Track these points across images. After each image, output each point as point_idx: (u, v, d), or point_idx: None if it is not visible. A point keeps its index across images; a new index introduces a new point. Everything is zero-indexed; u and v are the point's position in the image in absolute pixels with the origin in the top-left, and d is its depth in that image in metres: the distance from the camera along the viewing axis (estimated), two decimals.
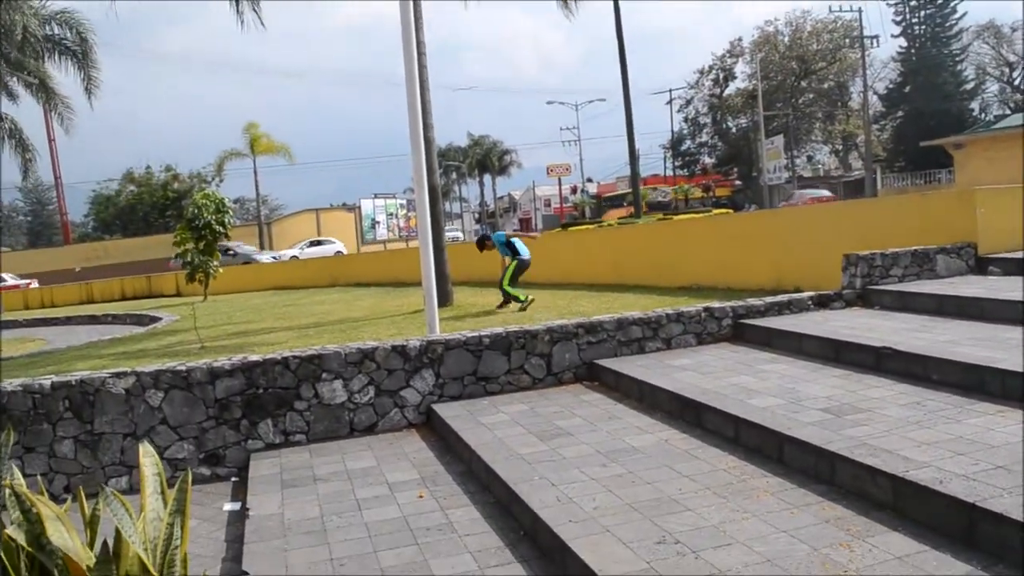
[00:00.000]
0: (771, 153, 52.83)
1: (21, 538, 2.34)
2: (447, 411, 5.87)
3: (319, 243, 42.34)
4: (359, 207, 52.04)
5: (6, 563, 2.23)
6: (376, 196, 54.28)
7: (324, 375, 5.97)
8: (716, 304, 7.10)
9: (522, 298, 11.07)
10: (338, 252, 40.18)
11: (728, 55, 67.25)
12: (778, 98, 61.52)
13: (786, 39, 62.84)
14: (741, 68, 66.66)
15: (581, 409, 5.68)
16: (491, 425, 5.40)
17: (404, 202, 54.53)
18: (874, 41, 52.95)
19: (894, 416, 4.35)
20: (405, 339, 6.33)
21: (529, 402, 6.00)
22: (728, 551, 3.19)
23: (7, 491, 2.42)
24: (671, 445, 4.69)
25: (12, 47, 26.08)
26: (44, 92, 28.77)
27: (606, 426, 5.18)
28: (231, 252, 27.35)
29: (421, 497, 4.57)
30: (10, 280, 39.77)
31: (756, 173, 58.62)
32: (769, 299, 7.25)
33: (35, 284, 39.19)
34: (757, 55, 59.78)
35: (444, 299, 11.83)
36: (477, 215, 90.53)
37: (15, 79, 28.77)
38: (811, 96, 64.88)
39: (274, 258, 36.67)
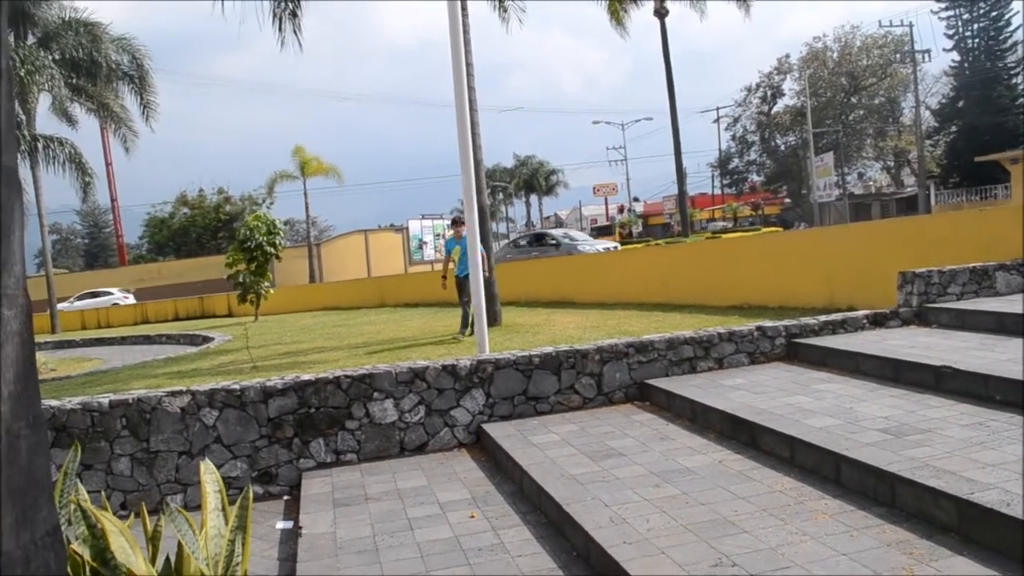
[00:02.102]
0: (821, 170, 52.15)
1: (86, 553, 2.39)
2: (497, 431, 5.86)
3: (94, 295, 42.04)
4: (407, 228, 52.41)
5: None
6: (423, 217, 54.62)
7: (375, 394, 6.00)
8: (768, 323, 7.01)
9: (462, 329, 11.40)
10: (115, 303, 40.06)
11: (775, 72, 66.65)
12: (827, 115, 60.76)
13: (835, 55, 62.07)
14: (789, 85, 65.97)
15: (632, 429, 5.63)
16: (542, 445, 5.38)
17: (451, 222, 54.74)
18: (926, 55, 52.15)
19: (956, 437, 4.24)
20: (455, 359, 6.35)
21: (580, 422, 5.97)
22: (786, 574, 3.13)
23: (72, 507, 2.47)
24: (725, 466, 4.62)
25: (82, 74, 26.85)
26: (108, 116, 29.56)
27: (658, 446, 5.13)
28: (553, 242, 22.54)
29: (472, 517, 4.56)
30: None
31: (806, 191, 57.89)
32: (823, 318, 7.14)
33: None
34: (805, 72, 59.15)
35: (493, 319, 11.85)
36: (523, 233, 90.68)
37: (76, 104, 29.62)
38: (861, 112, 63.91)
39: (606, 248, 29.04)
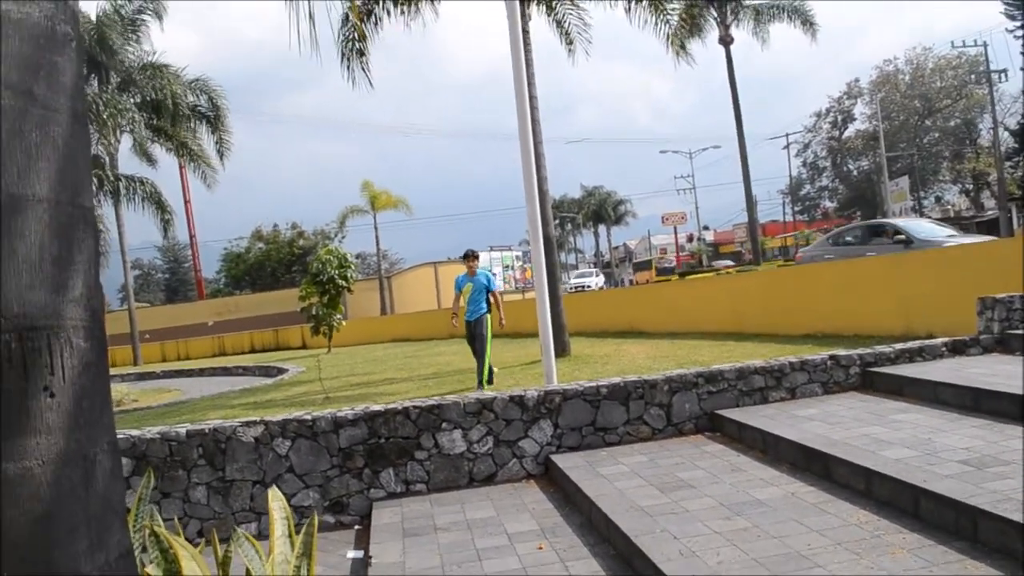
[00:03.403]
0: (896, 195, 50.99)
1: None
2: (565, 462, 5.83)
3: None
4: None
5: None
6: (492, 248, 55.00)
7: (444, 425, 6.03)
8: (842, 352, 6.85)
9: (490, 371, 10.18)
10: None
11: (845, 96, 65.67)
12: (901, 138, 59.50)
13: (907, 78, 60.87)
14: (860, 109, 64.95)
15: (702, 460, 5.55)
16: (610, 476, 5.33)
17: (520, 253, 55.01)
18: (1002, 75, 50.71)
19: None
20: (523, 389, 6.35)
21: (648, 453, 5.90)
22: None
23: (147, 531, 2.54)
24: (798, 498, 4.51)
25: (166, 116, 27.95)
26: (187, 154, 30.66)
27: (729, 478, 5.03)
28: (902, 237, 16.00)
29: (541, 549, 4.53)
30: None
31: (881, 216, 56.65)
32: (899, 346, 6.95)
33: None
34: (877, 95, 58.11)
35: (561, 349, 11.82)
36: (593, 265, 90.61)
37: (155, 145, 30.81)
38: (936, 135, 62.41)
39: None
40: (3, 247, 1.61)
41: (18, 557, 1.70)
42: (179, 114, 29.20)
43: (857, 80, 64.84)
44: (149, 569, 2.44)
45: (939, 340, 7.10)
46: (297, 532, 2.83)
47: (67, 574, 1.74)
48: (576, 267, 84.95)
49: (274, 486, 2.99)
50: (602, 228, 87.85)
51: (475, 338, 10.33)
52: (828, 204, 70.47)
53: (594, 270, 46.57)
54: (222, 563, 2.74)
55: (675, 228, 72.59)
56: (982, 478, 3.99)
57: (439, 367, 13.61)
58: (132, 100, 28.90)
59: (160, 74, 28.61)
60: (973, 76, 56.07)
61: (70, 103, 1.77)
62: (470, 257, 10.75)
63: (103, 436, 1.84)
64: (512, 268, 54.67)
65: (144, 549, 2.48)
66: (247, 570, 2.43)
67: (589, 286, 43.03)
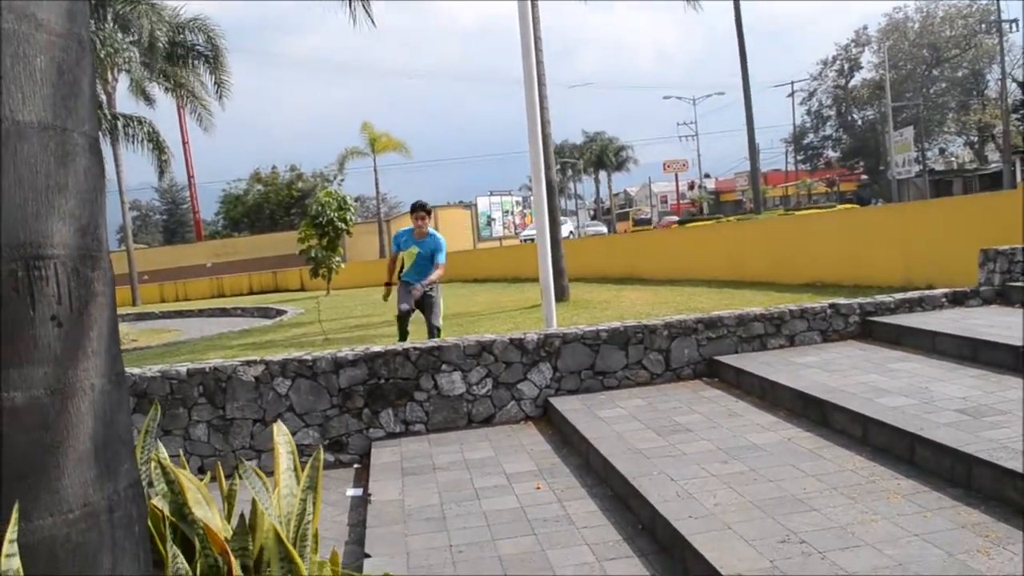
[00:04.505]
0: (900, 146, 50.56)
1: (166, 508, 2.48)
2: (564, 405, 5.87)
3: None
4: (475, 204, 52.59)
5: (153, 531, 2.36)
6: (492, 193, 54.71)
7: (443, 367, 6.06)
8: (843, 300, 6.86)
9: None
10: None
11: (853, 44, 64.80)
12: (907, 88, 58.86)
13: (916, 26, 60.01)
14: (867, 58, 64.13)
15: (700, 405, 5.59)
16: (609, 419, 5.38)
17: (519, 199, 54.78)
18: (1013, 26, 50.01)
19: None
20: (523, 332, 6.37)
21: (647, 397, 5.94)
22: (856, 553, 3.08)
23: (153, 464, 2.57)
24: (795, 443, 4.56)
25: (155, 56, 27.58)
26: (186, 94, 30.33)
27: (727, 423, 5.08)
28: None
29: (538, 488, 4.59)
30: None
31: (884, 167, 56.30)
32: (899, 296, 6.96)
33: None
34: (885, 43, 57.34)
35: (560, 294, 11.84)
36: (592, 212, 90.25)
37: (154, 84, 30.46)
38: (944, 85, 61.73)
39: None
40: (8, 175, 1.59)
41: (27, 485, 1.71)
42: (175, 54, 28.81)
43: (865, 27, 64.04)
44: (155, 501, 2.47)
45: (939, 291, 7.10)
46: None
47: (76, 502, 1.76)
48: (575, 213, 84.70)
49: (279, 421, 3.01)
50: (603, 175, 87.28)
51: (424, 304, 8.32)
52: (831, 154, 69.98)
53: (565, 219, 46.21)
54: (227, 497, 2.78)
55: (676, 175, 72.17)
56: (978, 427, 4.03)
57: None
58: (128, 39, 28.48)
59: (153, 12, 28.15)
60: (983, 26, 55.26)
61: (75, 28, 1.73)
62: (419, 211, 8.38)
63: (110, 367, 1.84)
64: (512, 213, 54.46)
65: (151, 483, 2.51)
66: (253, 502, 2.46)
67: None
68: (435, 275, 8.29)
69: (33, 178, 1.65)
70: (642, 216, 61.90)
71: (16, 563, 1.67)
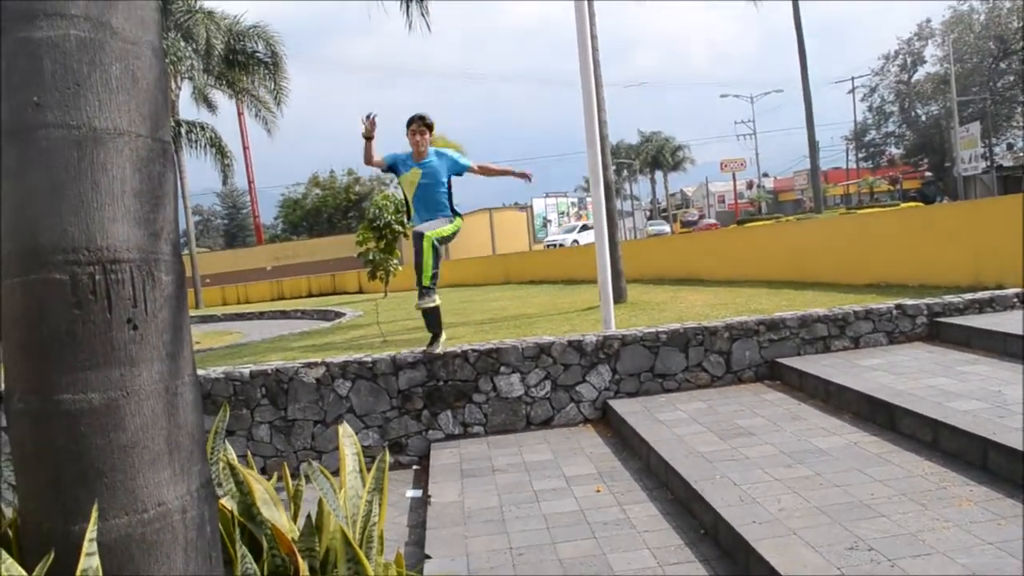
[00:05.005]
0: (966, 142, 49.24)
1: (235, 508, 2.52)
2: (624, 407, 5.84)
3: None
4: (531, 206, 52.61)
5: (222, 531, 2.40)
6: (548, 195, 54.70)
7: (502, 369, 6.07)
8: (909, 301, 6.70)
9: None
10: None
11: (916, 38, 63.26)
12: (973, 82, 57.25)
13: (982, 18, 58.36)
14: (931, 51, 62.48)
15: (762, 408, 5.51)
16: (669, 422, 5.33)
17: (575, 200, 54.68)
18: None
19: None
20: (581, 335, 6.35)
21: (707, 400, 5.87)
22: (927, 561, 3.00)
23: (222, 465, 2.61)
24: (861, 448, 4.46)
25: (213, 61, 28.18)
26: (250, 100, 30.90)
27: (790, 426, 4.99)
28: None
29: (598, 491, 4.56)
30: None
31: (949, 163, 54.88)
32: (969, 296, 6.77)
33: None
34: (949, 36, 55.88)
35: (618, 296, 11.76)
36: (648, 212, 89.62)
37: (216, 91, 31.10)
38: (1011, 78, 59.90)
39: None
40: (86, 180, 1.63)
41: (104, 485, 1.75)
42: (236, 60, 29.39)
43: (929, 20, 62.45)
44: (224, 501, 2.51)
45: (1011, 291, 6.90)
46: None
47: (151, 502, 1.79)
48: (631, 214, 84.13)
49: (344, 422, 3.04)
50: (659, 175, 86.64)
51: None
52: (894, 151, 68.36)
53: (578, 224, 44.36)
54: (293, 497, 2.81)
55: (734, 175, 71.19)
56: None
57: (494, 312, 13.65)
58: (191, 48, 29.14)
59: (210, 20, 28.76)
60: None
61: (149, 37, 1.77)
62: (417, 124, 6.46)
63: (184, 369, 1.88)
64: (567, 215, 54.37)
65: (219, 484, 2.55)
66: (320, 503, 2.49)
67: (561, 243, 39.32)
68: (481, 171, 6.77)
69: (109, 183, 1.68)
70: (688, 218, 61.73)
71: (95, 562, 1.71)
